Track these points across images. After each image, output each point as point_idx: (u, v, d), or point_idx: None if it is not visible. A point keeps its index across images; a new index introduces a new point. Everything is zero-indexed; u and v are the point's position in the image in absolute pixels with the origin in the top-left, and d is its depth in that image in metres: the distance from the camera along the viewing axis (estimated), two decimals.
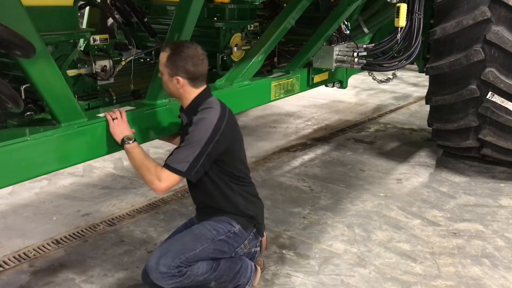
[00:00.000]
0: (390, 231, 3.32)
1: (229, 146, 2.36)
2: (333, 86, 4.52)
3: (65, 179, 4.09)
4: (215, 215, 2.46)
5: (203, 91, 2.37)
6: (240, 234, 2.45)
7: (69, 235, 3.20)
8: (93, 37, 2.58)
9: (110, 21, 3.81)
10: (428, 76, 4.31)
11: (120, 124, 2.30)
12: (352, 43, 3.89)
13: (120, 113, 2.33)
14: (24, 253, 2.98)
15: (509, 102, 3.85)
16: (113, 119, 2.29)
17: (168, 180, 2.22)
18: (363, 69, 3.83)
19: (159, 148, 4.74)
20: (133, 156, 2.27)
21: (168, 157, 2.28)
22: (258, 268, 2.64)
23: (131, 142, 2.28)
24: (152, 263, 2.25)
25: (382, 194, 3.91)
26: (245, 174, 2.53)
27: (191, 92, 2.35)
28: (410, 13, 3.54)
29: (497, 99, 3.85)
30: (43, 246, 3.06)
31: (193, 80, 2.31)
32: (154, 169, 2.23)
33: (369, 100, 7.29)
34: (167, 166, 2.23)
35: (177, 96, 2.40)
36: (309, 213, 3.56)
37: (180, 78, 2.28)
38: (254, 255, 2.68)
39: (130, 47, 2.96)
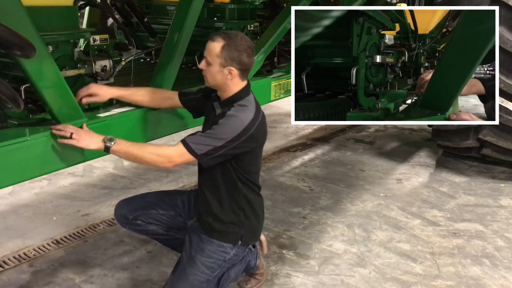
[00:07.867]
0: (390, 231, 3.32)
1: (251, 150, 2.31)
2: None
3: (65, 179, 4.09)
4: (213, 228, 2.38)
5: (246, 86, 2.34)
6: (234, 256, 2.41)
7: (69, 235, 3.20)
8: (93, 37, 2.57)
9: (110, 21, 3.81)
10: None
11: (84, 134, 2.10)
12: None
13: (69, 126, 2.10)
14: (24, 253, 2.97)
15: (509, 102, 3.85)
16: (71, 135, 2.06)
17: (182, 157, 2.18)
18: None
19: None
20: (127, 151, 2.16)
21: (189, 135, 2.21)
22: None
23: (113, 142, 2.12)
24: None
25: (382, 194, 3.91)
26: (256, 181, 2.46)
27: (238, 84, 2.29)
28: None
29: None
30: (43, 246, 3.06)
31: (244, 72, 2.28)
32: (161, 149, 2.20)
33: None
34: (185, 143, 2.18)
35: (220, 87, 2.33)
36: (309, 213, 3.56)
37: (233, 69, 2.22)
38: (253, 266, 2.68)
39: (130, 47, 2.95)
